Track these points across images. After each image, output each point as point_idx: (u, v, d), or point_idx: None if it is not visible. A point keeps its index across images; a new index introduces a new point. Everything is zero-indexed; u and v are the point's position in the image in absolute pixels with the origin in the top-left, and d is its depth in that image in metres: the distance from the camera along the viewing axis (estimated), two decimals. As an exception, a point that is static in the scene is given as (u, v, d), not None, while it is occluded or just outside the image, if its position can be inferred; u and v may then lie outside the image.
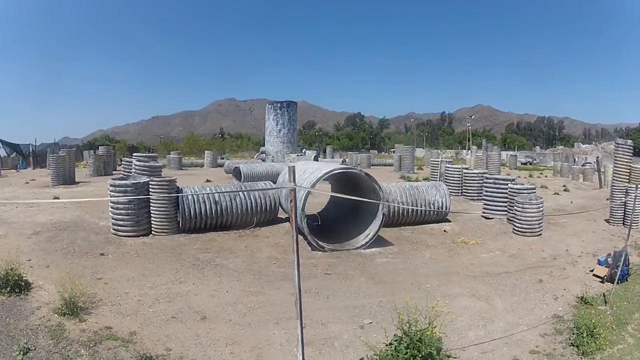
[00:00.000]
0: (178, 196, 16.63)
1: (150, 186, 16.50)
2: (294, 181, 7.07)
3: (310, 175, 15.71)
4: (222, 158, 63.28)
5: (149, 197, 16.21)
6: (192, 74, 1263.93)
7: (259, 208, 17.56)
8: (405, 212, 18.26)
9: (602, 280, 13.05)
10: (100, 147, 49.42)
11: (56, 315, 9.55)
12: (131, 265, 13.05)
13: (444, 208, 18.87)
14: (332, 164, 19.83)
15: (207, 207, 16.78)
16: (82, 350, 8.34)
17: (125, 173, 23.17)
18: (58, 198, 22.33)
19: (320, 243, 14.81)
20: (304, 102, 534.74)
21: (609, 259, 13.41)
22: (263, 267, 13.08)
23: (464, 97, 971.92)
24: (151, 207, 16.30)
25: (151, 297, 10.71)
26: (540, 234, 17.18)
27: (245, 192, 17.45)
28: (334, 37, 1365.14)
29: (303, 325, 7.39)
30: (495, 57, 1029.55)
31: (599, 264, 13.54)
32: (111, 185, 16.41)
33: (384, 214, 15.55)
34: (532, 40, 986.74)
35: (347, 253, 14.74)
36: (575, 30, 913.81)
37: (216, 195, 16.98)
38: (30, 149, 63.24)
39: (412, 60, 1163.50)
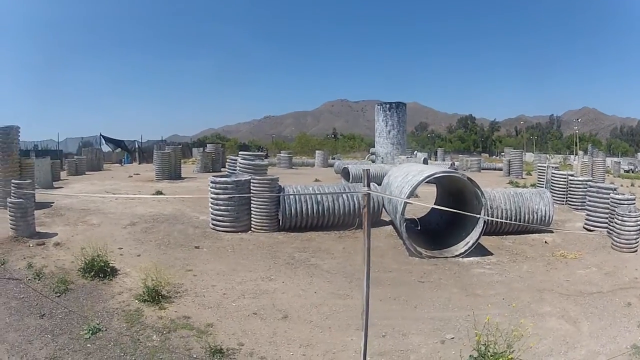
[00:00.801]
0: (279, 195, 16.65)
1: (251, 184, 16.64)
2: (369, 185, 6.94)
3: (412, 178, 15.38)
4: (333, 158, 63.34)
5: (249, 195, 16.37)
6: (303, 75, 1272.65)
7: (361, 210, 16.90)
8: (510, 219, 17.61)
9: None
10: (208, 145, 51.06)
11: (137, 301, 10.02)
12: (224, 260, 13.39)
13: (547, 217, 18.07)
14: (435, 167, 19.43)
15: (309, 206, 16.90)
16: (154, 336, 8.66)
17: (230, 171, 23.47)
18: (161, 192, 23.86)
19: (418, 249, 14.47)
20: (416, 103, 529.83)
21: None
22: (357, 270, 12.74)
23: (570, 100, 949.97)
24: (252, 205, 16.53)
25: (237, 292, 10.91)
26: (637, 250, 15.88)
27: (349, 193, 17.45)
28: (444, 36, 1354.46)
29: (381, 334, 7.36)
30: (601, 58, 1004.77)
31: None
32: (212, 182, 16.73)
33: (485, 222, 14.96)
34: (631, 37, 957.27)
35: (445, 260, 14.35)
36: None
37: (319, 195, 17.03)
38: (136, 145, 66.43)
39: (521, 61, 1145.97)
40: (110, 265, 11.59)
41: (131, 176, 36.51)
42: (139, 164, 56.46)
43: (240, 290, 10.96)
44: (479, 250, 15.20)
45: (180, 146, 53.00)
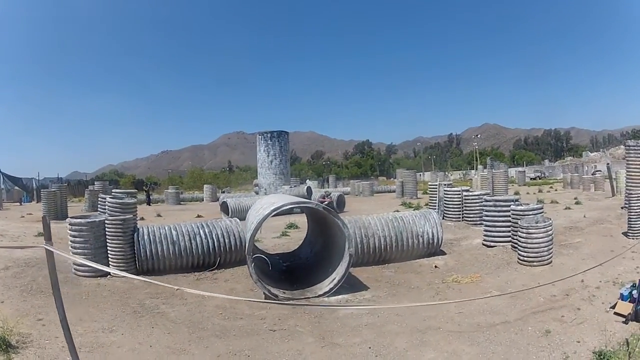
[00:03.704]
0: (133, 236, 15.57)
1: (105, 225, 15.40)
2: (49, 238, 5.85)
3: (262, 212, 13.60)
4: (223, 192, 61.85)
5: (105, 237, 15.35)
6: (199, 108, 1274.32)
7: (222, 248, 16.03)
8: (389, 247, 15.95)
9: (626, 320, 9.85)
10: (96, 183, 50.55)
11: (-11, 349, 9.25)
12: (75, 308, 12.03)
13: (434, 240, 16.54)
14: (291, 198, 17.58)
15: (165, 247, 15.52)
16: (-5, 389, 8.12)
17: (101, 210, 22.27)
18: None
19: (273, 291, 12.55)
20: (312, 132, 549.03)
21: (634, 291, 10.19)
22: (205, 318, 11.48)
23: (470, 118, 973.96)
24: (108, 247, 15.36)
25: (75, 345, 9.03)
26: (551, 262, 14.54)
27: (206, 231, 16.15)
28: (336, 66, 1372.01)
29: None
30: (496, 74, 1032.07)
31: (622, 299, 10.33)
32: (69, 224, 15.48)
33: (351, 255, 12.92)
34: (529, 53, 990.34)
35: (307, 302, 12.53)
36: (569, 35, 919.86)
37: (174, 234, 15.74)
38: (34, 183, 65.31)
39: (415, 84, 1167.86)
40: (-28, 311, 10.86)
41: (23, 216, 35.97)
42: (37, 202, 54.92)
43: (78, 343, 9.23)
44: (352, 285, 13.48)
45: (67, 184, 52.71)
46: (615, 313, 10.09)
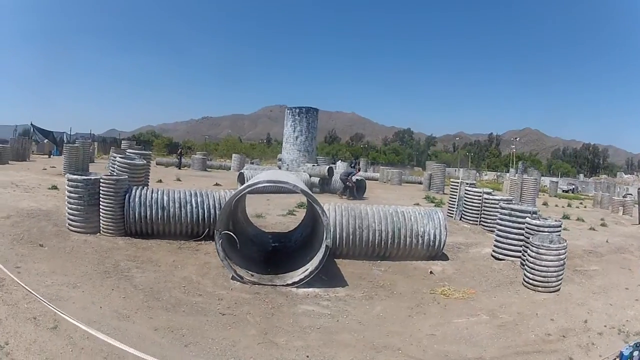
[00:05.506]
0: (124, 197, 15.57)
1: (101, 184, 15.61)
2: None
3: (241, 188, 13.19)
4: (252, 163, 62.23)
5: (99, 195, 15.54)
6: (242, 78, 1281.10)
7: (211, 219, 15.69)
8: (383, 243, 14.91)
9: None
10: (123, 141, 53.13)
11: (-35, 288, 10.03)
12: (54, 261, 12.65)
13: (436, 243, 15.25)
14: (276, 175, 16.53)
15: (153, 212, 15.44)
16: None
17: (111, 169, 22.24)
18: (56, 187, 24.44)
19: (239, 272, 11.91)
20: (354, 114, 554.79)
21: (636, 352, 8.16)
22: (166, 289, 11.25)
23: (512, 120, 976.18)
24: (100, 206, 15.49)
25: (39, 294, 9.68)
26: (558, 290, 12.92)
27: (198, 200, 15.96)
28: (387, 50, 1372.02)
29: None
30: (544, 80, 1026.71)
31: (621, 359, 8.29)
32: (67, 179, 15.86)
33: (327, 246, 11.91)
34: (579, 67, 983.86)
35: (273, 289, 11.62)
36: (617, 57, 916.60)
37: (165, 200, 15.65)
38: (65, 137, 66.33)
39: (463, 80, 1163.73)
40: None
41: (45, 169, 36.20)
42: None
43: (41, 293, 9.77)
44: (330, 278, 12.65)
45: (90, 140, 53.52)
46: None
